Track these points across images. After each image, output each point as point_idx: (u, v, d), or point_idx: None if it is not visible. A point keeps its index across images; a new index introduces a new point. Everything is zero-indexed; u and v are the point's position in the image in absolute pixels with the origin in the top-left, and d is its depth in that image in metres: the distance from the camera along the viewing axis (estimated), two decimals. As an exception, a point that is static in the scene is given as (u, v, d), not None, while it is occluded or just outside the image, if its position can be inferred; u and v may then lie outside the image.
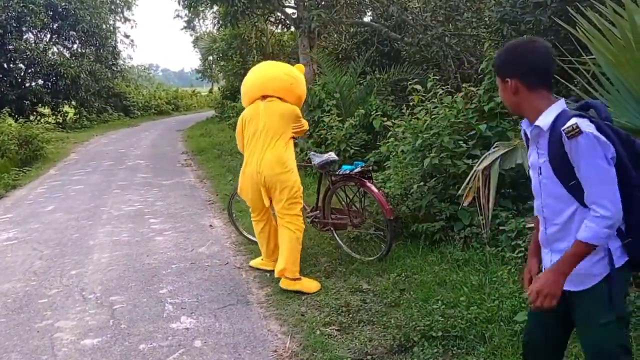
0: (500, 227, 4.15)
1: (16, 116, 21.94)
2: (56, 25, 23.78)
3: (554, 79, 2.24)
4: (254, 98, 4.34)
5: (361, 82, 9.19)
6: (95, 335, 3.50)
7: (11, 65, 21.47)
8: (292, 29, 15.07)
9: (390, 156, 5.41)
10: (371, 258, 4.42)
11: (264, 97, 4.28)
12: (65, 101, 23.79)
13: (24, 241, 5.84)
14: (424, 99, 5.08)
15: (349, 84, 8.62)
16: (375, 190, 4.39)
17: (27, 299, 4.16)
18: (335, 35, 11.93)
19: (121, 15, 32.43)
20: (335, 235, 4.82)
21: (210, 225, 6.15)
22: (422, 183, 4.60)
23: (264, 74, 4.41)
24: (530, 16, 5.27)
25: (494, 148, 3.70)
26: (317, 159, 4.72)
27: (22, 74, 21.93)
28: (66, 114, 24.52)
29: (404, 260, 4.28)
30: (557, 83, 4.12)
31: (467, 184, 3.76)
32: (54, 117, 23.85)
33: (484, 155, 3.68)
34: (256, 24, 14.83)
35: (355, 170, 4.43)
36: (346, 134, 7.56)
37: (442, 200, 4.64)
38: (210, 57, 31.45)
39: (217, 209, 6.99)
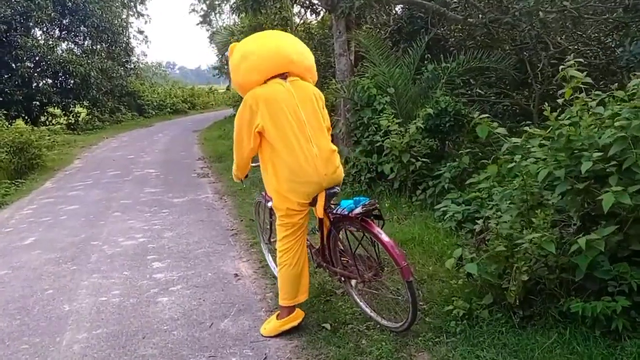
0: None
1: (26, 118, 20.62)
2: (66, 21, 22.34)
3: None
4: (268, 75, 3.19)
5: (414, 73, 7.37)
6: None
7: (18, 63, 19.94)
8: (321, 15, 13.28)
9: (505, 181, 3.63)
10: (397, 325, 3.10)
11: (282, 76, 3.21)
12: (76, 101, 22.31)
13: (-22, 301, 4.17)
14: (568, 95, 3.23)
15: (404, 77, 6.81)
16: (386, 238, 3.01)
17: None
18: (384, 16, 10.09)
19: (134, 9, 30.96)
20: (349, 288, 3.48)
21: (236, 275, 4.41)
22: (589, 232, 2.76)
23: (284, 45, 3.26)
24: None
25: None
26: None
27: (29, 73, 20.38)
28: (78, 115, 23.05)
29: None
30: None
31: None
32: (65, 118, 22.46)
33: None
34: (280, 9, 13.04)
35: (356, 211, 3.04)
36: (410, 142, 5.76)
37: (617, 258, 2.83)
38: (228, 52, 29.88)
39: (242, 244, 5.25)
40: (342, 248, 3.37)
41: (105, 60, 22.89)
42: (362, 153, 6.55)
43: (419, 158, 5.76)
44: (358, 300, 3.40)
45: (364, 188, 6.46)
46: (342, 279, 3.45)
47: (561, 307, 2.89)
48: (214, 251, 5.08)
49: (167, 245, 5.33)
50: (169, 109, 28.60)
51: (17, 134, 11.03)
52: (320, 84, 15.20)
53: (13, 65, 19.83)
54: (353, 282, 3.42)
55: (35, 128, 16.18)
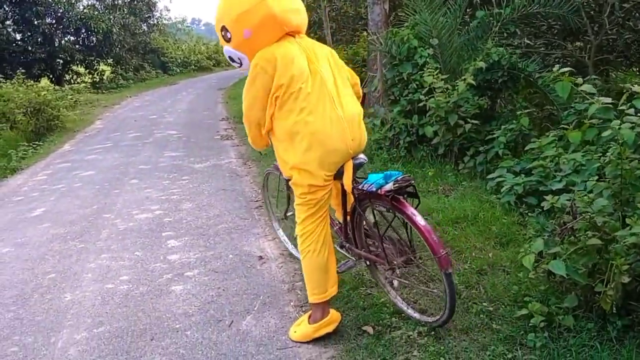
0: None
1: (50, 76, 20.23)
2: (86, -25, 21.65)
3: None
4: (279, 34, 2.56)
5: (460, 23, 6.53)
6: None
7: (39, 20, 19.36)
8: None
9: (584, 150, 2.94)
10: (432, 320, 2.62)
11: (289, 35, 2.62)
12: (99, 58, 21.83)
13: (-27, 285, 3.72)
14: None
15: (449, 26, 6.00)
16: (422, 222, 2.46)
17: None
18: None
19: (156, -38, 29.82)
20: (377, 274, 2.98)
21: (260, 257, 3.86)
22: None
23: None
24: None
25: None
26: None
27: (51, 30, 19.81)
28: (102, 73, 22.58)
29: None
30: None
31: None
32: (90, 76, 22.03)
33: None
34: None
35: (386, 188, 2.49)
36: (458, 101, 5.04)
37: None
38: None
39: (267, 219, 4.69)
40: (367, 228, 2.84)
41: (127, 16, 22.25)
42: (401, 114, 5.84)
43: (468, 120, 5.05)
44: (387, 287, 2.92)
45: (402, 153, 5.79)
46: (367, 263, 2.96)
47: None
48: (236, 227, 4.53)
49: (185, 219, 4.80)
50: (193, 66, 27.96)
51: (34, 94, 10.57)
52: (350, 37, 14.31)
53: (35, 21, 19.29)
54: (380, 267, 2.88)
55: (58, 87, 15.86)
